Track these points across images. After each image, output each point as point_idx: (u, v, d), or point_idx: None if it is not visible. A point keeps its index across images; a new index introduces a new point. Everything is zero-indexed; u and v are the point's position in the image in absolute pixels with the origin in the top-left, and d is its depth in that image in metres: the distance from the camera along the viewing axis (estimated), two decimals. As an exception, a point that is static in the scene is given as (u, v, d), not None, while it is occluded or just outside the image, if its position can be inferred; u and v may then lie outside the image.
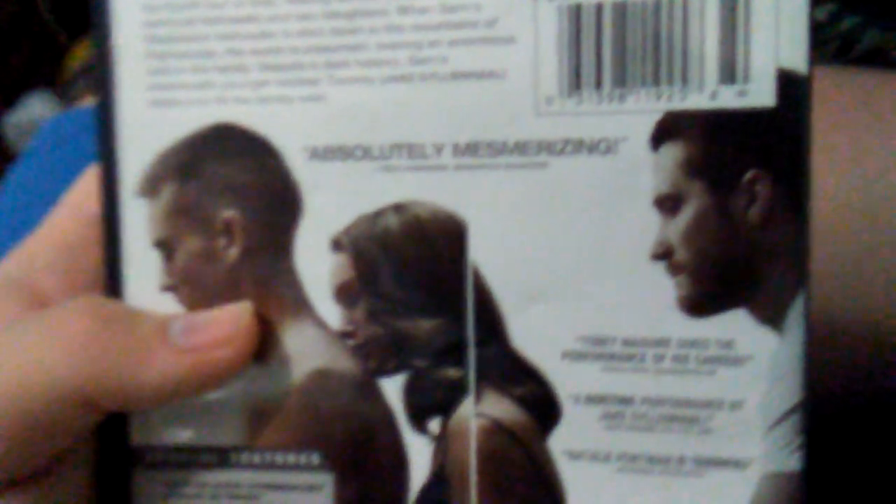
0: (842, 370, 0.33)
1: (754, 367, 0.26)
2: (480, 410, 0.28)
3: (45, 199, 0.34)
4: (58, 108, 1.49)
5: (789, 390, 0.26)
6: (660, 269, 0.26)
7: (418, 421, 0.29)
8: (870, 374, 0.33)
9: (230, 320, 0.28)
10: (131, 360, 0.27)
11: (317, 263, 0.29)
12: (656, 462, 0.27)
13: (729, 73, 0.25)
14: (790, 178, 0.25)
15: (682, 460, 0.27)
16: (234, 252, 0.29)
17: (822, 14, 0.46)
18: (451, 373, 0.28)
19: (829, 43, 0.45)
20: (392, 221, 0.28)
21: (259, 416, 0.30)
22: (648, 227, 0.26)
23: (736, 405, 0.26)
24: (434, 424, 0.29)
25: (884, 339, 0.32)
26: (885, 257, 0.32)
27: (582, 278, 0.27)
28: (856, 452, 0.39)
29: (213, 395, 0.30)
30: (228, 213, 0.29)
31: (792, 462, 0.26)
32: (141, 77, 0.29)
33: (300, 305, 0.29)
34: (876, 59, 0.45)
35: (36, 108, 1.50)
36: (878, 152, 0.32)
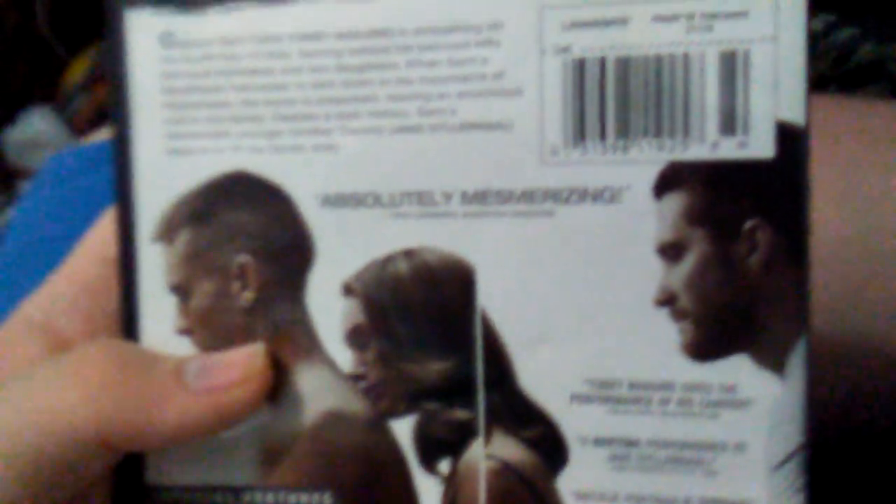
0: (842, 401, 0.34)
1: (757, 410, 0.27)
2: (490, 452, 0.29)
3: (47, 236, 0.36)
4: (57, 123, 1.50)
5: (792, 433, 0.27)
6: (663, 314, 0.28)
7: (428, 462, 0.30)
8: (870, 405, 0.34)
9: (244, 362, 0.29)
10: (148, 402, 0.28)
11: (329, 307, 0.30)
12: (662, 502, 0.28)
13: (729, 125, 0.27)
14: (790, 226, 0.27)
15: (687, 501, 0.28)
16: (248, 296, 0.30)
17: (818, 25, 0.47)
18: (461, 414, 0.29)
19: (824, 54, 0.46)
20: (402, 267, 0.29)
21: (272, 455, 0.31)
22: (652, 273, 0.27)
23: (739, 447, 0.28)
24: (444, 465, 0.30)
25: (883, 370, 0.33)
26: (882, 287, 0.33)
27: (588, 322, 0.28)
28: (858, 483, 0.40)
29: (227, 435, 0.31)
30: (243, 258, 0.30)
31: (795, 502, 0.27)
32: (157, 125, 0.31)
33: (312, 348, 0.30)
34: (871, 71, 0.46)
35: (36, 124, 1.52)
36: (871, 181, 0.33)
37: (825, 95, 0.40)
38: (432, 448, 0.30)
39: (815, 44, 0.48)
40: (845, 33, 0.47)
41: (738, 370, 0.27)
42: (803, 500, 0.27)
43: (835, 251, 0.32)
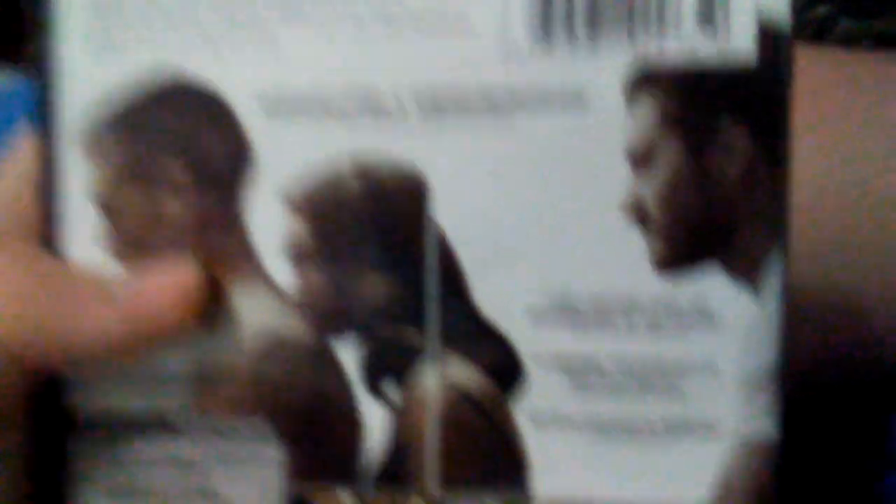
0: (820, 351, 0.30)
1: (728, 327, 0.22)
2: (441, 375, 0.24)
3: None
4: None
5: (764, 352, 0.22)
6: (631, 226, 0.22)
7: (375, 388, 0.25)
8: (849, 354, 0.30)
9: (174, 281, 0.24)
10: (68, 317, 0.23)
11: (269, 223, 0.24)
12: (626, 428, 0.23)
13: (707, 16, 0.22)
14: (769, 133, 0.22)
15: (652, 425, 0.23)
16: (180, 211, 0.24)
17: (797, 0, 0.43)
18: (411, 336, 0.24)
19: (803, 29, 0.42)
20: (350, 179, 0.24)
21: (205, 382, 0.25)
22: (620, 182, 0.22)
23: (709, 367, 0.23)
24: (392, 391, 0.25)
25: (862, 321, 0.29)
26: (864, 239, 0.28)
27: (550, 236, 0.23)
28: (832, 430, 0.36)
29: (157, 361, 0.25)
30: (175, 170, 0.24)
31: (766, 428, 0.22)
32: (83, 22, 0.24)
33: (251, 267, 0.25)
34: (849, 47, 0.42)
35: None
36: (855, 133, 0.29)
37: (807, 46, 0.35)
38: (380, 373, 0.24)
39: (794, 18, 0.43)
40: (823, 9, 0.43)
41: (710, 285, 0.22)
42: (775, 422, 0.22)
43: (812, 202, 0.28)
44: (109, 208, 0.26)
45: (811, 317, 0.30)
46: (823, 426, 0.36)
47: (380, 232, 0.25)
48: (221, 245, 0.26)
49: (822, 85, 0.32)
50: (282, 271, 0.26)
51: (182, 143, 0.25)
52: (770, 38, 0.23)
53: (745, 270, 0.23)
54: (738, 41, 0.23)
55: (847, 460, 0.35)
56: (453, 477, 0.26)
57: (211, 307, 0.26)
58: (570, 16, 0.23)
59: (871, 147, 0.30)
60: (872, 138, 0.31)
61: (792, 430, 0.38)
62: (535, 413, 0.25)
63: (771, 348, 0.23)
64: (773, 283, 0.23)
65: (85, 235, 0.26)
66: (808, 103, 0.31)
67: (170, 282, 0.25)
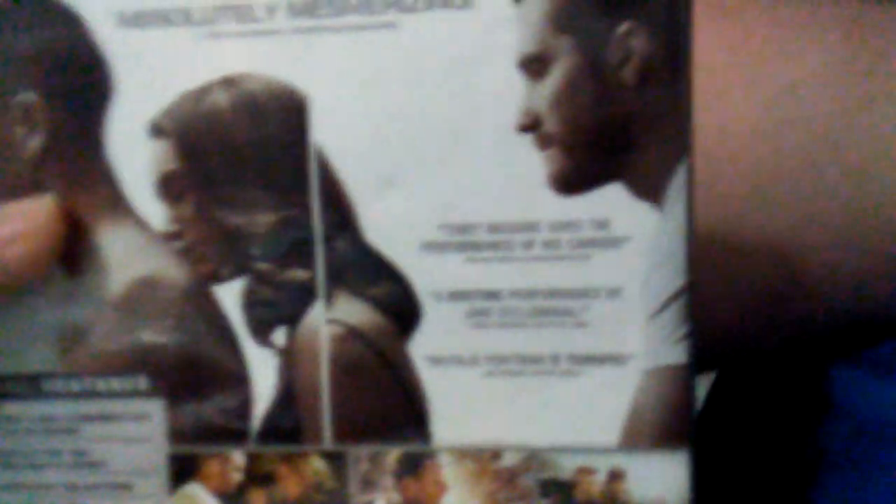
0: (742, 297, 0.27)
1: (633, 248, 0.20)
2: (331, 316, 0.21)
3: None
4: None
5: (672, 273, 0.20)
6: (526, 142, 0.20)
7: (261, 332, 0.22)
8: (771, 301, 0.28)
9: (25, 215, 0.20)
10: None
11: (134, 152, 0.21)
12: (528, 362, 0.21)
13: None
14: (668, 31, 0.19)
15: (556, 358, 0.21)
16: (35, 142, 0.21)
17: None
18: (297, 274, 0.21)
19: None
20: (220, 99, 0.21)
21: (75, 337, 0.22)
22: (512, 94, 0.20)
23: (614, 293, 0.20)
24: (279, 335, 0.22)
25: (785, 267, 0.27)
26: (790, 183, 0.26)
27: (440, 157, 0.20)
28: (772, 381, 0.34)
29: (18, 316, 0.22)
30: (26, 96, 0.21)
31: (676, 353, 0.20)
32: None
33: (116, 203, 0.21)
34: None
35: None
36: (781, 72, 0.27)
37: None
38: (265, 316, 0.21)
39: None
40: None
41: (612, 202, 0.19)
42: (686, 351, 0.19)
43: (744, 144, 0.26)
44: None
45: (745, 262, 0.28)
46: (762, 377, 0.34)
47: (257, 159, 0.22)
48: (82, 180, 0.22)
49: (751, 21, 0.30)
50: (152, 207, 0.22)
51: (30, 65, 0.22)
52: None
53: (650, 188, 0.21)
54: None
55: (788, 410, 0.33)
56: (349, 427, 0.23)
57: (73, 251, 0.22)
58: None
59: (799, 84, 0.28)
60: (801, 75, 0.28)
61: (731, 383, 0.36)
62: (432, 352, 0.22)
63: (679, 266, 0.21)
64: (679, 195, 0.20)
65: None
66: (738, 40, 0.28)
67: (19, 212, 0.21)
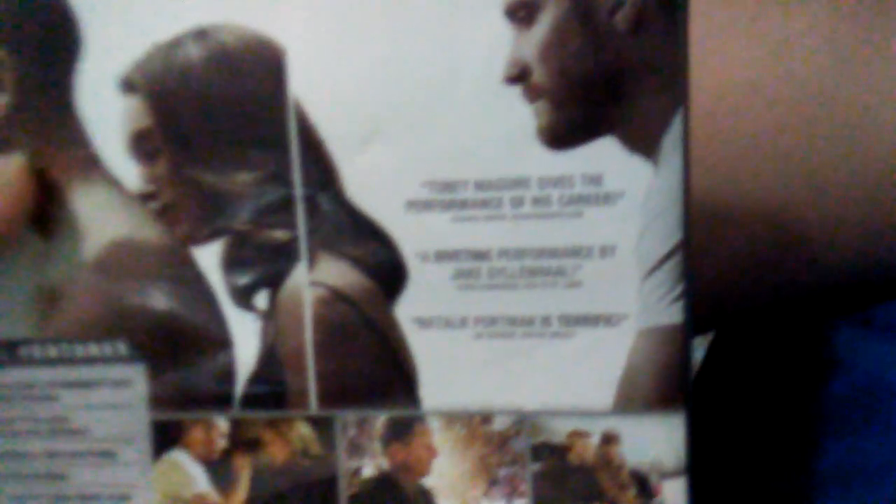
0: (737, 255, 0.26)
1: (626, 204, 0.19)
2: (314, 278, 0.20)
3: None
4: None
5: (667, 230, 0.18)
6: (515, 94, 0.19)
7: (242, 295, 0.20)
8: (766, 259, 0.27)
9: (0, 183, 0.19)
10: None
11: (105, 109, 0.20)
12: (518, 323, 0.20)
13: None
14: None
15: (547, 320, 0.19)
16: (2, 100, 0.20)
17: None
18: (278, 235, 0.20)
19: None
20: (193, 52, 0.19)
21: (51, 301, 0.21)
22: (499, 43, 0.18)
23: (607, 251, 0.19)
24: (261, 298, 0.21)
25: (781, 225, 0.25)
26: (786, 139, 0.25)
27: (424, 112, 0.19)
28: (753, 345, 0.33)
29: None
30: None
31: (672, 313, 0.19)
32: None
33: (89, 163, 0.20)
34: None
35: None
36: (778, 27, 0.25)
37: None
38: (246, 278, 0.20)
39: None
40: None
41: (604, 156, 0.18)
42: (682, 310, 0.18)
43: (742, 99, 0.25)
44: None
45: (741, 221, 0.27)
46: (761, 337, 0.33)
47: (233, 114, 0.20)
48: (53, 138, 0.21)
49: None
50: (125, 166, 0.21)
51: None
52: None
53: (644, 141, 0.20)
54: None
55: (788, 370, 0.32)
56: (335, 391, 0.22)
57: (46, 212, 0.21)
58: None
59: (797, 36, 0.27)
60: (798, 28, 0.27)
61: (729, 343, 0.35)
62: (419, 314, 0.21)
63: (674, 222, 0.19)
64: (674, 149, 0.19)
65: None
66: None
67: None
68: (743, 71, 0.27)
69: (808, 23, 0.27)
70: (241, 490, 0.23)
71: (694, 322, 0.21)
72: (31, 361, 0.23)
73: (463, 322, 0.21)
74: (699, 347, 0.36)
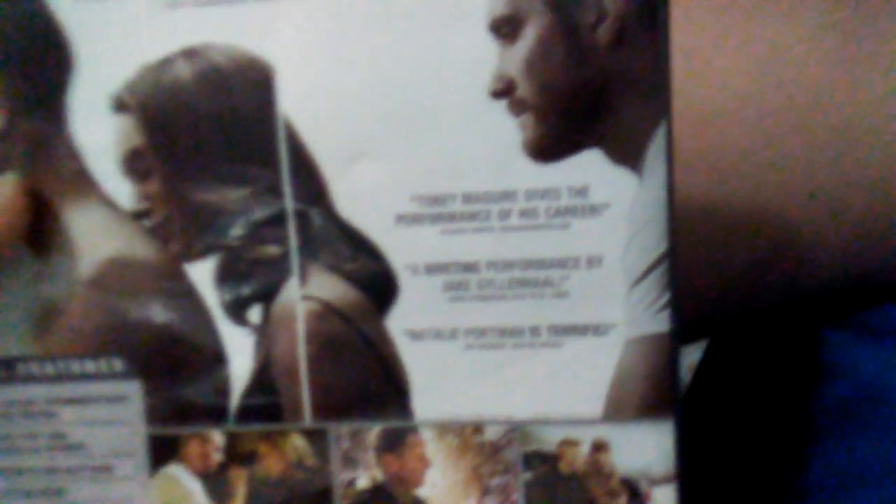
0: (729, 262, 0.26)
1: (612, 215, 0.19)
2: (306, 292, 0.20)
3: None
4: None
5: (653, 239, 0.19)
6: (500, 108, 0.19)
7: (235, 310, 0.21)
8: (758, 266, 0.27)
9: None
10: None
11: (97, 128, 0.20)
12: (508, 334, 0.20)
13: None
14: None
15: (536, 330, 0.20)
16: None
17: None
18: (270, 251, 0.20)
19: None
20: (183, 70, 0.19)
21: (47, 319, 0.21)
22: (485, 58, 0.19)
23: (594, 261, 0.19)
24: (254, 312, 0.21)
25: (773, 231, 0.26)
26: (776, 146, 0.25)
27: (411, 127, 0.19)
28: (746, 350, 0.33)
29: None
30: None
31: (659, 322, 0.19)
32: None
33: (82, 182, 0.20)
34: None
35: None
36: (769, 35, 0.25)
37: None
38: (239, 293, 0.20)
39: None
40: None
41: (590, 168, 0.18)
42: (669, 319, 0.18)
43: (734, 108, 0.24)
44: None
45: (732, 227, 0.27)
46: (754, 343, 0.33)
47: (224, 132, 0.21)
48: (46, 157, 0.21)
49: None
50: (118, 185, 0.21)
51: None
52: None
53: (628, 153, 0.20)
54: None
55: (781, 375, 0.32)
56: (329, 404, 0.22)
57: (41, 230, 0.21)
58: None
59: (787, 45, 0.27)
60: (786, 42, 0.27)
61: (723, 350, 0.35)
62: (410, 326, 0.21)
63: (660, 232, 0.20)
64: (658, 160, 0.19)
65: None
66: (720, 5, 0.27)
67: None
68: (735, 80, 0.27)
69: (799, 32, 0.27)
70: (238, 503, 0.23)
71: (688, 329, 0.21)
72: (28, 378, 0.23)
73: (453, 334, 0.22)
74: (695, 353, 0.36)
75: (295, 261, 0.22)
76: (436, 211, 0.21)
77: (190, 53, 0.21)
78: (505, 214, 0.21)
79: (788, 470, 0.30)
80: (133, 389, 0.23)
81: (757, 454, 0.32)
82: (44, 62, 0.21)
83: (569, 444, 0.22)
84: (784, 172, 0.27)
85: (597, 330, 0.21)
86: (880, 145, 0.26)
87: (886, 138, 0.26)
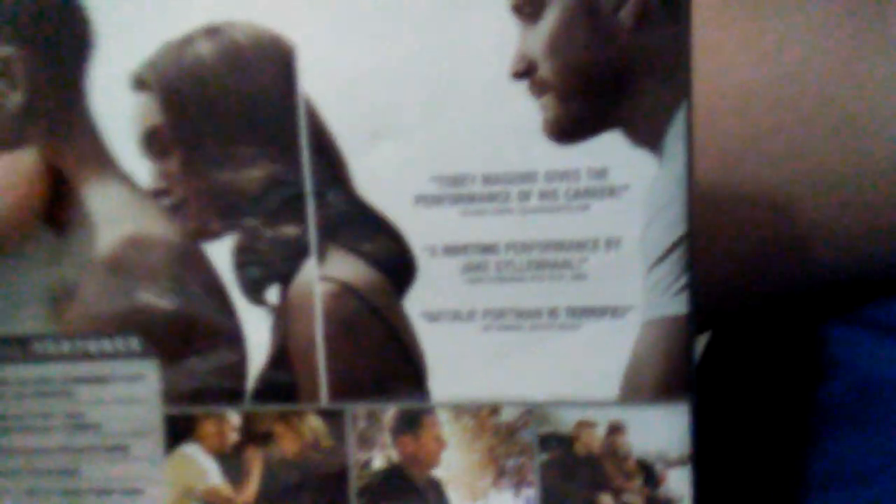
0: (736, 254, 0.26)
1: (632, 197, 0.19)
2: (324, 272, 0.20)
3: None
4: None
5: (671, 222, 0.19)
6: (521, 89, 0.19)
7: (253, 290, 0.20)
8: (764, 258, 0.26)
9: (7, 168, 0.19)
10: None
11: (117, 107, 0.20)
12: (525, 316, 0.20)
13: None
14: None
15: (554, 312, 0.19)
16: (16, 98, 0.20)
17: None
18: (289, 230, 0.20)
19: None
20: (205, 49, 0.19)
21: (64, 297, 0.21)
22: (506, 39, 0.18)
23: (612, 243, 0.19)
24: (272, 293, 0.20)
25: (779, 224, 0.25)
26: (784, 139, 0.25)
27: (432, 107, 0.19)
28: (750, 343, 0.33)
29: (9, 277, 0.21)
30: (5, 50, 0.20)
31: (676, 304, 0.19)
32: None
33: (101, 159, 0.20)
34: None
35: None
36: (776, 26, 0.25)
37: None
38: (257, 273, 0.20)
39: None
40: None
41: (610, 150, 0.18)
42: (686, 301, 0.18)
43: (740, 100, 0.24)
44: None
45: (739, 219, 0.27)
46: (758, 336, 0.33)
47: (244, 111, 0.20)
48: (66, 135, 0.21)
49: None
50: (137, 163, 0.21)
51: (7, 18, 0.20)
52: None
53: (649, 135, 0.20)
54: None
55: (785, 369, 0.32)
56: (346, 384, 0.22)
57: (59, 208, 0.21)
58: None
59: (796, 34, 0.27)
60: (796, 24, 0.27)
61: (726, 342, 0.35)
62: (428, 308, 0.21)
63: (679, 215, 0.19)
64: (678, 142, 0.19)
65: None
66: None
67: (7, 178, 0.20)
68: (742, 72, 0.27)
69: (805, 23, 0.27)
70: (253, 483, 0.23)
71: (696, 317, 0.21)
72: (44, 357, 0.23)
73: (471, 315, 0.21)
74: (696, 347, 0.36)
75: (313, 241, 0.21)
76: (455, 192, 0.21)
77: (211, 32, 0.21)
78: (524, 196, 0.21)
79: (791, 465, 0.30)
80: (150, 369, 0.22)
81: (758, 449, 0.32)
82: (64, 39, 0.21)
83: (585, 425, 0.22)
84: (790, 164, 0.27)
85: (614, 312, 0.21)
86: (888, 137, 0.26)
87: (894, 130, 0.26)
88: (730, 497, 0.31)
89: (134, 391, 0.23)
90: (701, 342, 0.36)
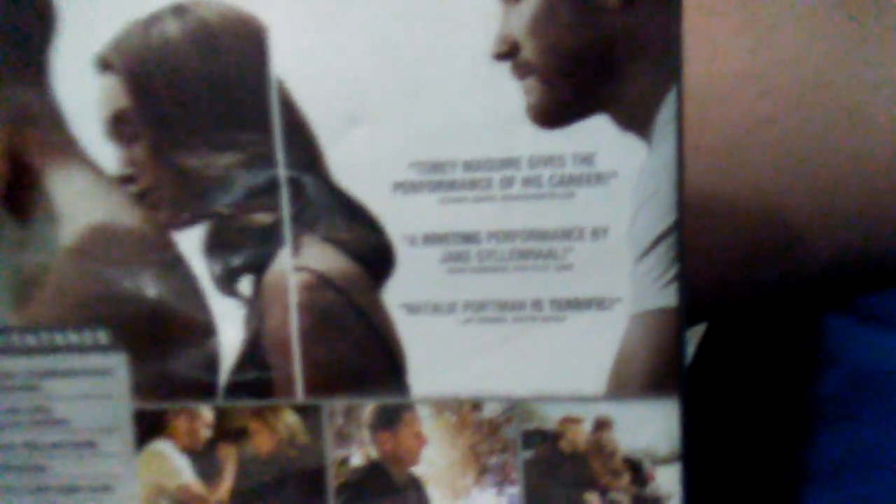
0: (729, 245, 0.25)
1: (619, 184, 0.17)
2: (299, 262, 0.19)
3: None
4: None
5: (661, 211, 0.17)
6: (504, 71, 0.17)
7: (225, 281, 0.19)
8: (758, 249, 0.26)
9: None
10: None
11: (81, 90, 0.18)
12: (508, 308, 0.18)
13: None
14: None
15: (538, 303, 0.18)
16: None
17: None
18: (262, 219, 0.19)
19: None
20: (172, 28, 0.18)
21: (28, 288, 0.19)
22: (488, 18, 0.17)
23: (599, 232, 0.18)
24: (245, 284, 0.19)
25: (774, 214, 0.24)
26: (778, 127, 0.24)
27: (411, 90, 0.17)
28: (745, 335, 0.32)
29: None
30: None
31: (665, 296, 0.18)
32: None
33: (66, 145, 0.19)
34: None
35: None
36: (769, 16, 0.24)
37: None
38: (229, 263, 0.19)
39: None
40: None
41: (597, 135, 0.17)
42: (675, 293, 0.17)
43: (734, 87, 0.24)
44: None
45: (733, 209, 0.26)
46: (753, 328, 0.32)
47: (214, 94, 0.19)
48: (28, 119, 0.20)
49: None
50: (103, 149, 0.20)
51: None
52: None
53: (637, 120, 0.19)
54: None
55: (781, 361, 0.31)
56: (322, 379, 0.21)
57: (23, 195, 0.20)
58: None
59: (789, 21, 0.26)
60: (785, 20, 0.26)
61: (721, 335, 0.34)
62: (407, 299, 0.20)
63: (668, 202, 0.18)
64: (667, 127, 0.18)
65: None
66: None
67: None
68: (734, 59, 0.26)
69: (799, 9, 0.26)
70: (227, 480, 0.22)
71: (686, 310, 0.19)
72: (9, 350, 0.22)
73: (452, 307, 0.20)
74: (691, 340, 0.35)
75: (287, 230, 0.20)
76: (435, 178, 0.20)
77: (179, 10, 0.19)
78: (507, 182, 0.19)
79: (787, 458, 0.29)
80: (118, 362, 0.21)
81: (755, 441, 0.31)
82: (25, 20, 0.20)
83: (570, 421, 0.20)
84: (784, 153, 0.26)
85: (601, 304, 0.20)
86: (883, 126, 0.25)
87: (889, 119, 0.25)
88: (723, 491, 0.31)
89: (102, 385, 0.22)
90: (696, 334, 0.35)
